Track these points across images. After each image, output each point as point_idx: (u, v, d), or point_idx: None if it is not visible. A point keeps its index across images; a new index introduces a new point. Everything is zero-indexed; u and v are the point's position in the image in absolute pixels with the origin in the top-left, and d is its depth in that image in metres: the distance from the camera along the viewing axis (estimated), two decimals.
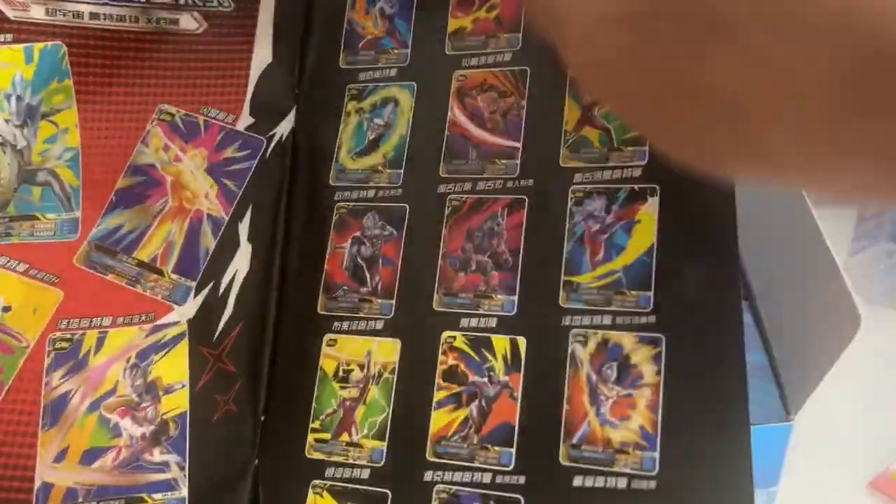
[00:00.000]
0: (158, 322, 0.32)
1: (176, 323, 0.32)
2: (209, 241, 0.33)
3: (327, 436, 0.29)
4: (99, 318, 0.32)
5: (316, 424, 0.30)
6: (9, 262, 0.33)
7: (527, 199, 0.30)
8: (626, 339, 0.28)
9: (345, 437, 0.29)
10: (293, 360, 0.31)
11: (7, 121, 0.34)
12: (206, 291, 0.32)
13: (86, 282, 0.33)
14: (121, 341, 0.32)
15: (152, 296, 0.32)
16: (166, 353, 0.32)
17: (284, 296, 0.32)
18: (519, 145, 0.31)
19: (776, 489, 0.36)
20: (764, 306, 0.37)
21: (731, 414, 0.26)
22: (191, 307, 0.32)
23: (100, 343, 0.32)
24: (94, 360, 0.32)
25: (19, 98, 0.35)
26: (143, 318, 0.32)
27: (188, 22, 0.35)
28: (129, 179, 0.34)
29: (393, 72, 0.33)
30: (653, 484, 0.26)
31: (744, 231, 0.40)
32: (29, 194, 0.34)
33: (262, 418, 0.31)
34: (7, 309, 0.32)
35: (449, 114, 0.32)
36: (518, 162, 0.31)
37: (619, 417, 0.27)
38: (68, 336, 0.32)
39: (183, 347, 0.32)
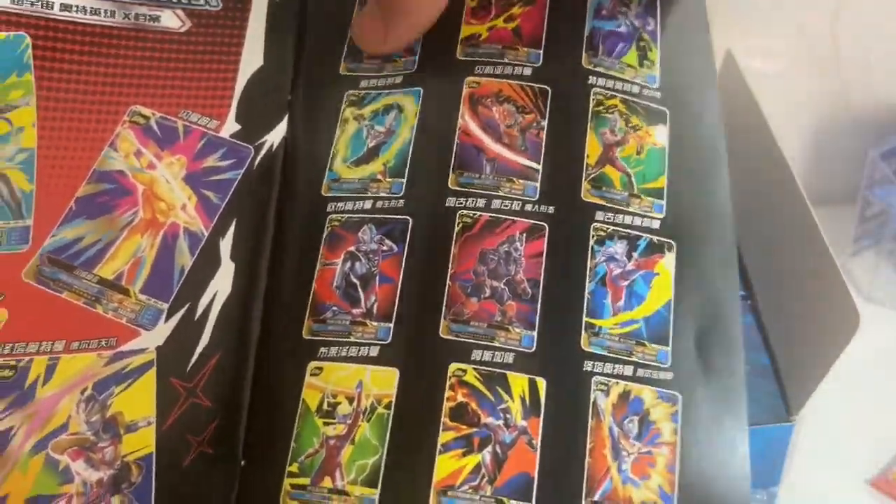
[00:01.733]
0: (121, 348, 0.28)
1: (143, 350, 0.28)
2: (185, 259, 0.29)
3: (306, 481, 0.25)
4: (49, 343, 0.28)
5: (294, 468, 0.26)
6: None
7: (547, 228, 0.28)
8: (647, 393, 0.26)
9: (327, 482, 0.25)
10: (274, 394, 0.27)
11: None
12: (179, 315, 0.28)
13: (35, 300, 0.28)
14: (75, 369, 0.27)
15: (115, 318, 0.28)
16: (130, 384, 0.27)
17: (269, 321, 0.28)
18: (538, 167, 0.29)
19: (776, 489, 0.36)
20: (764, 306, 0.37)
21: (734, 482, 0.26)
22: (161, 333, 0.28)
23: (50, 371, 0.27)
24: (42, 392, 0.27)
25: None
26: (104, 343, 0.28)
27: (170, 20, 0.32)
28: (92, 186, 0.30)
29: (398, 79, 0.31)
30: None
31: (744, 231, 0.40)
32: None
33: (243, 462, 0.27)
34: None
35: (459, 121, 0.29)
36: (538, 185, 0.29)
37: (641, 476, 0.25)
38: (12, 363, 0.27)
39: (150, 378, 0.27)
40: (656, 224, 0.28)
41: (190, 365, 0.28)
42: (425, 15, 0.29)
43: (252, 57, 0.32)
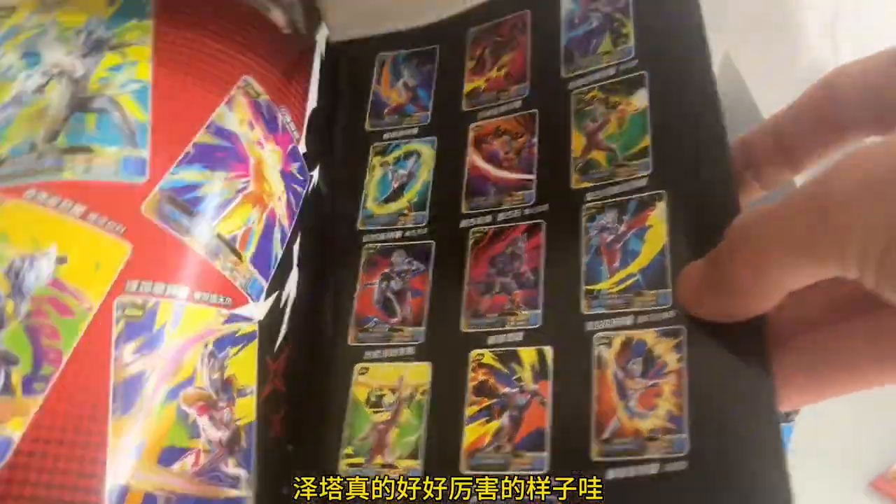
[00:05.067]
0: (235, 311, 0.28)
1: (251, 319, 0.28)
2: (278, 248, 0.31)
3: (361, 460, 0.30)
4: (175, 286, 0.26)
5: (349, 450, 0.30)
6: (61, 202, 0.25)
7: (544, 223, 0.31)
8: (648, 336, 0.27)
9: (378, 459, 0.30)
10: (325, 392, 0.31)
11: (70, 53, 0.28)
12: (273, 298, 0.30)
13: (158, 238, 0.26)
14: (198, 321, 0.26)
15: (231, 279, 0.28)
16: (241, 349, 0.28)
17: (320, 329, 0.32)
18: (533, 177, 0.32)
19: None
20: None
21: (755, 384, 0.26)
22: (262, 308, 0.29)
23: (176, 318, 0.25)
24: (171, 338, 0.25)
25: (90, 33, 0.29)
26: (222, 300, 0.27)
27: (277, 16, 0.34)
28: (210, 137, 0.29)
29: (415, 130, 0.37)
30: (683, 465, 0.25)
31: None
32: (81, 122, 0.27)
33: (290, 447, 0.29)
34: (62, 260, 0.24)
35: (468, 159, 0.35)
36: (533, 191, 0.32)
37: (648, 408, 0.26)
38: (139, 301, 0.25)
39: (253, 349, 0.28)
40: (643, 182, 0.30)
41: (276, 348, 0.29)
42: (757, 305, 0.25)
43: (313, 94, 0.36)
